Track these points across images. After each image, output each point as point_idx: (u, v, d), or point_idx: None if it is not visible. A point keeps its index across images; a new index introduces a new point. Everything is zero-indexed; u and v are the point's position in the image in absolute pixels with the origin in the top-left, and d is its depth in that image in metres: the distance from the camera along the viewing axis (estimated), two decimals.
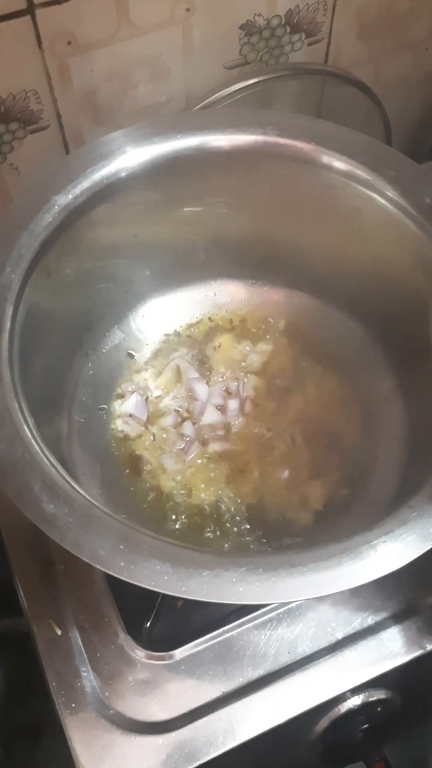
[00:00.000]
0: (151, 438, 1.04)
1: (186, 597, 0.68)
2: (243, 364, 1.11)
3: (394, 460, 1.00)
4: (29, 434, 0.77)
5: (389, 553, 0.72)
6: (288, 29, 1.19)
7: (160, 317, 1.14)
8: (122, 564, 0.69)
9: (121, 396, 1.07)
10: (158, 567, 0.69)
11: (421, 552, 0.72)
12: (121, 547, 0.70)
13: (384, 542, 0.72)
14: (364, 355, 1.10)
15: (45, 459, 0.76)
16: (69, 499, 0.73)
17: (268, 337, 1.13)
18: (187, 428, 1.05)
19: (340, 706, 0.91)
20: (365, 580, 0.70)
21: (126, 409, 1.05)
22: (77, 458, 0.98)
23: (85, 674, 0.90)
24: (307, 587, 0.69)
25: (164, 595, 0.71)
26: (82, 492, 0.75)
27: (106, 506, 0.79)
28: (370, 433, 1.04)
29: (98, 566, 0.69)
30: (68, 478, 0.76)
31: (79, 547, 0.70)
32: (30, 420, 0.79)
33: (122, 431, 1.04)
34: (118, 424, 1.05)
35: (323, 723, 0.92)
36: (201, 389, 1.08)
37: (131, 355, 1.11)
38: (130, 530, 0.73)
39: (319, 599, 0.94)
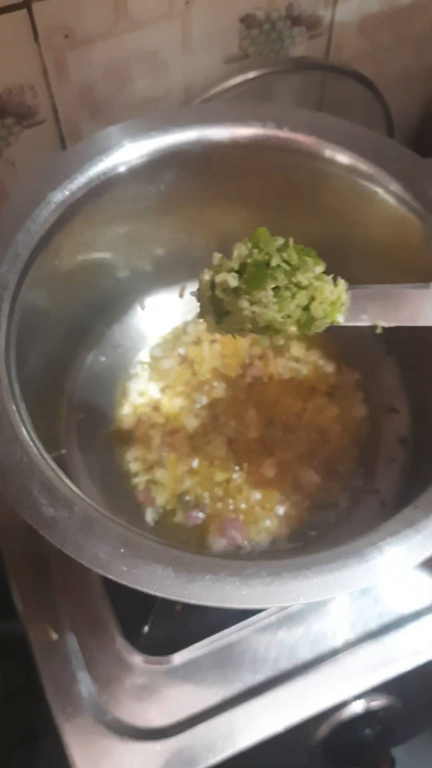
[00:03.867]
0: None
1: (189, 601, 0.67)
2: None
3: (398, 457, 1.01)
4: (27, 436, 0.77)
5: (395, 554, 0.71)
6: (288, 23, 1.19)
7: (159, 314, 1.14)
8: (124, 568, 0.68)
9: (123, 395, 1.08)
10: (160, 571, 0.68)
11: (428, 554, 0.71)
12: (122, 551, 0.69)
13: (389, 544, 0.71)
14: (367, 351, 1.10)
15: (44, 461, 0.75)
16: (69, 503, 0.72)
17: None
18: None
19: (341, 713, 0.91)
20: (371, 583, 0.70)
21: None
22: (77, 459, 0.98)
23: (81, 679, 0.89)
24: (312, 590, 0.68)
25: (162, 599, 0.70)
26: (81, 495, 0.75)
27: (106, 508, 0.78)
28: (374, 431, 1.05)
29: (99, 571, 0.68)
30: (68, 481, 0.76)
31: (79, 551, 0.69)
32: (28, 421, 0.78)
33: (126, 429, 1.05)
34: (124, 423, 1.05)
35: (324, 729, 0.92)
36: None
37: (130, 353, 1.11)
38: (131, 534, 0.73)
39: (321, 603, 0.94)
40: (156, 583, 0.68)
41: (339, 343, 1.11)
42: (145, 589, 0.68)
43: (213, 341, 1.12)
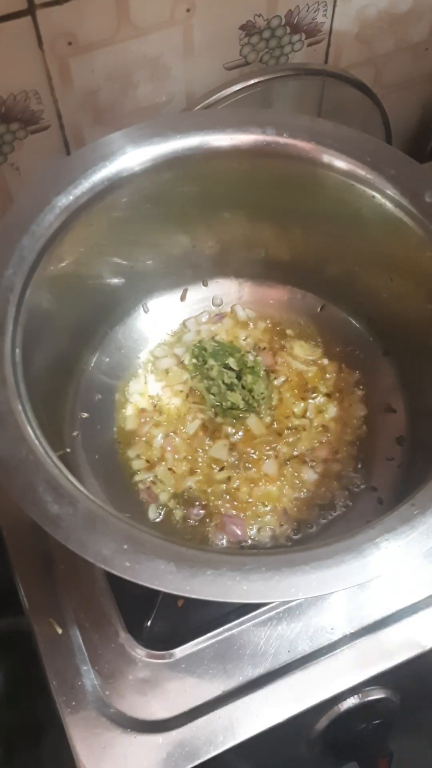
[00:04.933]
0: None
1: (190, 596, 0.68)
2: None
3: (395, 456, 1.01)
4: (33, 435, 0.77)
5: (392, 550, 0.72)
6: (288, 30, 1.19)
7: (161, 316, 1.15)
8: (127, 564, 0.69)
9: (126, 395, 1.08)
10: (162, 566, 0.69)
11: (424, 550, 0.72)
12: (125, 546, 0.70)
13: (387, 540, 0.72)
14: (365, 352, 1.11)
15: (49, 460, 0.76)
16: (73, 500, 0.73)
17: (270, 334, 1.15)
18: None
19: (339, 705, 0.91)
20: (368, 578, 0.71)
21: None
22: (81, 457, 0.99)
23: (85, 673, 0.90)
24: (311, 585, 0.70)
25: (165, 594, 0.71)
26: (86, 492, 0.75)
27: (110, 505, 0.79)
28: (371, 430, 1.05)
29: (103, 566, 0.69)
30: (72, 479, 0.76)
31: (83, 547, 0.70)
32: (33, 421, 0.79)
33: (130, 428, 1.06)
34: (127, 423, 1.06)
35: (323, 722, 0.93)
36: None
37: (133, 354, 1.11)
38: (134, 530, 0.73)
39: (319, 598, 0.95)
40: (158, 578, 0.69)
41: (339, 344, 1.12)
42: (148, 584, 0.68)
43: (213, 339, 1.13)
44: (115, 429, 1.05)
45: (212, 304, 1.17)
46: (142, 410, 1.07)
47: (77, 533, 0.71)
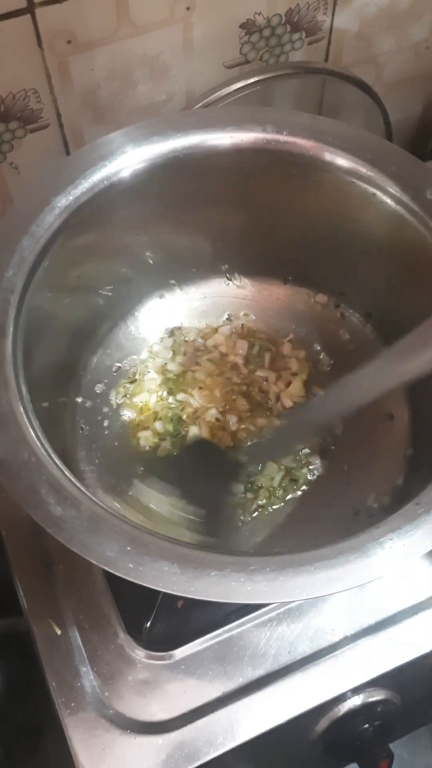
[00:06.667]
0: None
1: (194, 597, 0.68)
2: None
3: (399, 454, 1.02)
4: (35, 437, 0.77)
5: (396, 550, 0.72)
6: (288, 28, 1.19)
7: (162, 315, 1.15)
8: (130, 565, 0.69)
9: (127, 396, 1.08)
10: (166, 568, 0.69)
11: (428, 549, 0.72)
12: (129, 548, 0.70)
13: (391, 539, 0.72)
14: (368, 350, 1.10)
15: (51, 462, 0.76)
16: (76, 502, 0.72)
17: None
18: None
19: (340, 707, 0.91)
20: (372, 578, 0.70)
21: None
22: (83, 459, 0.99)
23: (84, 674, 0.89)
24: (315, 585, 0.69)
25: (164, 595, 0.71)
26: (88, 494, 0.75)
27: (112, 507, 0.79)
28: (374, 427, 1.05)
29: (107, 568, 0.69)
30: (75, 481, 0.76)
31: (87, 549, 0.70)
32: (35, 423, 0.79)
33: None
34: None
35: (323, 723, 0.92)
36: None
37: (133, 353, 1.11)
38: (138, 531, 0.73)
39: (320, 599, 0.94)
40: (162, 579, 0.68)
41: (339, 345, 1.13)
42: (152, 586, 0.68)
43: (209, 336, 1.14)
44: (117, 429, 1.05)
45: (210, 303, 1.16)
46: (144, 411, 1.07)
47: (80, 535, 0.70)
